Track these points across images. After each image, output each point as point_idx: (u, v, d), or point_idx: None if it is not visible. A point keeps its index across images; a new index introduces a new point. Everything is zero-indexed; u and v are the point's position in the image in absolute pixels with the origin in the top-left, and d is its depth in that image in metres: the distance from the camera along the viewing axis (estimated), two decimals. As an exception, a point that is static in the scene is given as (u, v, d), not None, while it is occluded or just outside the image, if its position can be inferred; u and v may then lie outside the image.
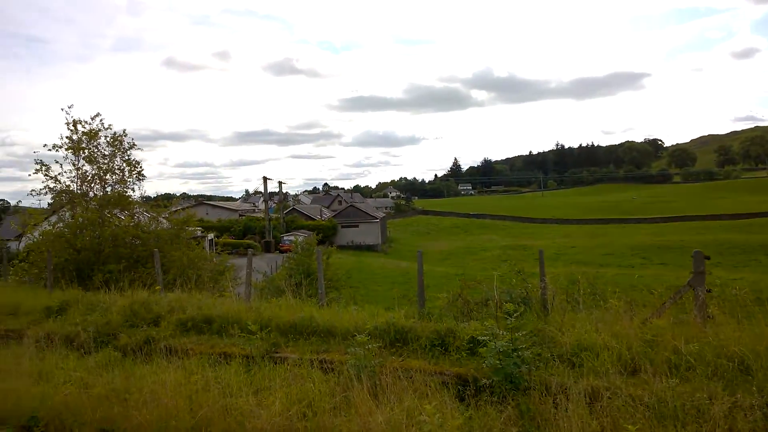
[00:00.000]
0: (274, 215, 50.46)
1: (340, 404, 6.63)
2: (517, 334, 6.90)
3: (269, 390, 7.12)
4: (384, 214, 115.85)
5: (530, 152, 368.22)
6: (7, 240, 31.15)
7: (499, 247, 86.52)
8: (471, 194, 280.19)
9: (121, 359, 9.48)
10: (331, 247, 44.20)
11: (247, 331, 8.76)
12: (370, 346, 7.40)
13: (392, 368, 7.15)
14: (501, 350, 6.61)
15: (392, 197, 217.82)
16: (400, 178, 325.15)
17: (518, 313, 7.24)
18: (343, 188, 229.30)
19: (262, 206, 73.54)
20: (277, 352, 8.51)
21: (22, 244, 25.05)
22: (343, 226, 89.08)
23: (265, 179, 49.07)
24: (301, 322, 9.29)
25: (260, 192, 79.16)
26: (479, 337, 7.35)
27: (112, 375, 8.41)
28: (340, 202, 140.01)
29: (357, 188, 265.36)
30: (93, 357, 9.71)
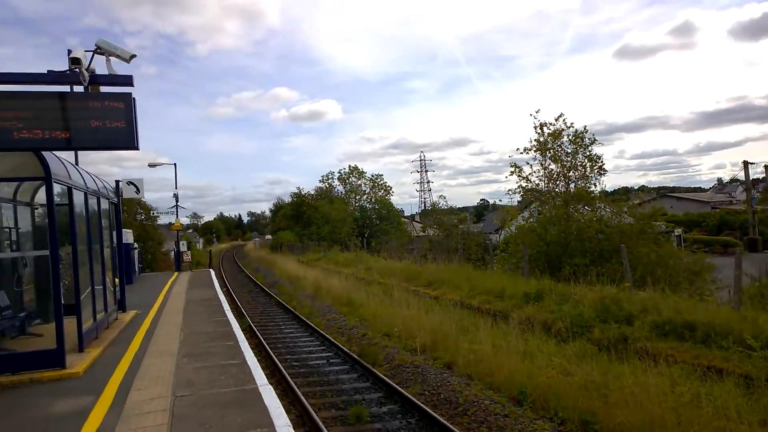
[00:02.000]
0: (758, 207, 41.87)
1: None
2: None
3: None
4: None
5: None
6: (489, 233, 36.73)
7: None
8: None
9: (596, 353, 9.48)
10: None
11: (744, 346, 7.26)
12: None
13: None
14: None
15: None
16: None
17: None
18: None
19: (740, 197, 62.45)
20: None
21: (501, 237, 29.23)
22: None
23: (745, 164, 41.21)
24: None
25: (738, 180, 67.18)
26: None
27: (590, 367, 8.46)
28: None
29: None
30: (570, 346, 10.09)
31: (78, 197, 9.17)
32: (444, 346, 11.19)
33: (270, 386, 6.26)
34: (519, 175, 22.33)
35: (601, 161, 21.40)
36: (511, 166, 22.47)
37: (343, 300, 18.76)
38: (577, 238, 19.61)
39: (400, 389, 8.89)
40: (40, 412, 5.79)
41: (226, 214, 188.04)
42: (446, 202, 41.08)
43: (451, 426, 7.20)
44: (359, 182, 62.34)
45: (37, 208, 11.80)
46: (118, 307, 11.85)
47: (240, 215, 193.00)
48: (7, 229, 10.23)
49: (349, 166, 63.18)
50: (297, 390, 8.89)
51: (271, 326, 15.89)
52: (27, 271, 10.61)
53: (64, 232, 9.19)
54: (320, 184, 64.41)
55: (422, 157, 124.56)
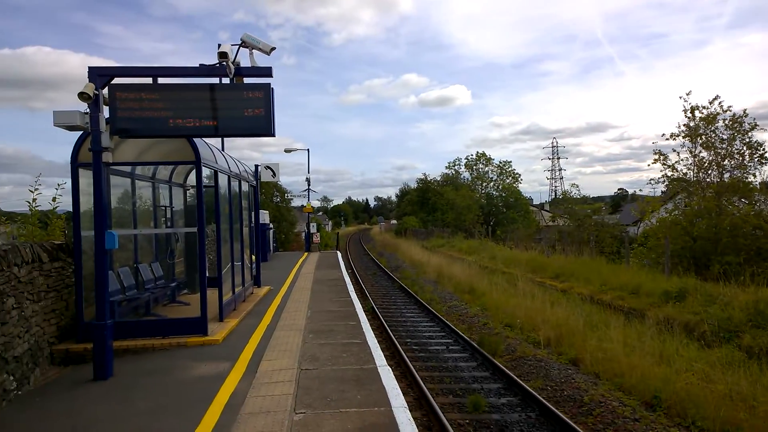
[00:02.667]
0: None
1: None
2: None
3: None
4: None
5: None
6: (626, 225, 34.04)
7: None
8: None
9: (744, 361, 8.46)
10: None
11: None
12: None
13: None
14: None
15: None
16: None
17: None
18: None
19: None
20: None
21: (640, 229, 26.93)
22: None
23: None
24: None
25: None
26: None
27: (737, 376, 7.59)
28: None
29: None
30: (714, 351, 9.09)
31: (222, 180, 10.04)
32: (569, 341, 10.64)
33: (389, 367, 6.39)
34: (664, 164, 20.45)
35: (763, 149, 18.86)
36: (655, 154, 20.63)
37: (465, 288, 18.62)
38: (731, 233, 17.52)
39: (520, 382, 8.62)
40: (185, 373, 6.47)
41: (354, 198, 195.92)
42: (579, 190, 38.75)
43: (573, 425, 6.82)
44: (486, 169, 61.10)
45: (188, 189, 13.16)
46: (253, 282, 12.87)
47: (367, 200, 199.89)
48: (163, 208, 11.54)
49: (477, 152, 62.23)
50: (415, 373, 9.00)
51: (393, 309, 16.25)
52: (178, 245, 11.92)
53: (210, 211, 10.16)
54: (446, 171, 64.32)
55: (554, 144, 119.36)
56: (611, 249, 26.28)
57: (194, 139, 8.06)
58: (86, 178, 8.55)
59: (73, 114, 6.47)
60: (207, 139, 9.40)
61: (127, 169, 9.87)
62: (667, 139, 20.34)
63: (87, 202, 9.12)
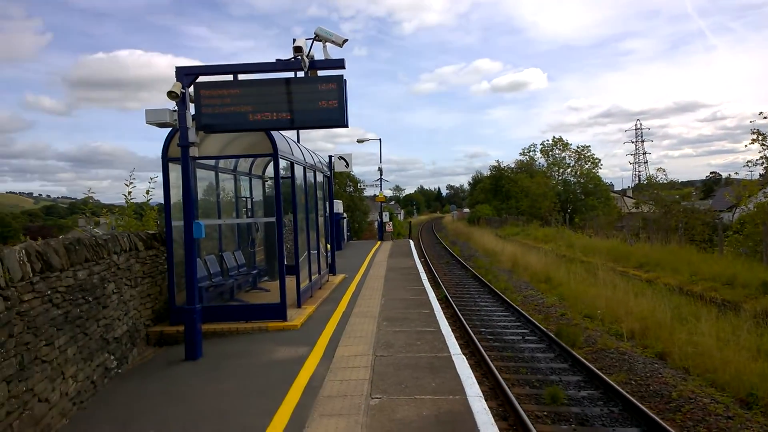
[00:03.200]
0: None
1: None
2: None
3: None
4: None
5: None
6: (720, 211, 31.70)
7: None
8: None
9: None
10: None
11: None
12: None
13: None
14: None
15: None
16: None
17: None
18: None
19: None
20: None
21: (735, 215, 24.93)
22: None
23: None
24: None
25: None
26: None
27: None
28: None
29: None
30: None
31: (298, 171, 10.35)
32: (655, 334, 10.11)
33: (463, 356, 6.37)
34: (763, 144, 18.87)
35: None
36: (753, 133, 19.09)
37: (541, 277, 18.14)
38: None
39: (601, 375, 8.31)
40: (267, 356, 6.78)
41: (425, 187, 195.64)
42: (666, 175, 36.34)
43: (661, 421, 6.49)
44: (563, 154, 58.69)
45: (267, 181, 13.69)
46: (329, 270, 13.22)
47: (439, 188, 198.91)
48: (244, 199, 12.08)
49: (553, 137, 59.93)
50: (490, 362, 8.91)
51: (466, 298, 16.13)
52: (259, 235, 12.44)
53: (288, 201, 10.52)
54: (521, 157, 62.58)
55: (638, 126, 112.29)
56: (702, 237, 24.52)
57: (271, 132, 8.36)
58: (176, 172, 9.08)
59: (163, 112, 6.90)
60: (283, 132, 9.73)
61: (211, 162, 10.40)
62: (766, 117, 18.69)
63: (177, 194, 9.69)
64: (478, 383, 5.61)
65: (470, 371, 5.82)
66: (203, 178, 10.67)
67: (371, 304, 9.91)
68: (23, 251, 4.82)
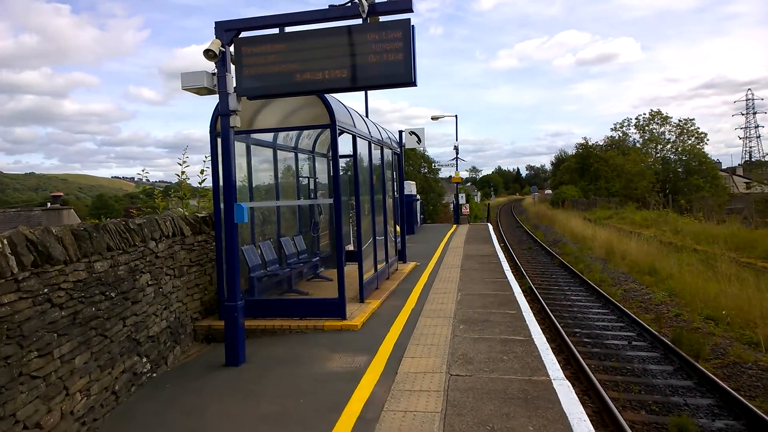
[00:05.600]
0: None
1: None
2: None
3: None
4: None
5: None
6: None
7: None
8: None
9: None
10: None
11: None
12: None
13: None
14: None
15: None
16: None
17: None
18: None
19: None
20: None
21: None
22: None
23: None
24: None
25: None
26: None
27: None
28: None
29: None
30: None
31: (362, 146, 9.07)
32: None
33: (567, 382, 4.82)
34: None
35: None
36: None
37: (643, 268, 15.85)
38: None
39: (741, 399, 6.46)
40: (318, 366, 5.60)
41: (504, 168, 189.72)
42: (785, 150, 31.85)
43: None
44: (662, 129, 53.37)
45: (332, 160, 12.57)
46: (398, 257, 11.90)
47: (518, 169, 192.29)
48: (306, 179, 11.00)
49: (650, 110, 54.36)
50: (598, 386, 7.24)
51: (555, 290, 14.30)
52: (322, 218, 11.35)
53: (351, 181, 9.30)
54: (612, 133, 57.87)
55: (749, 96, 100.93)
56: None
57: (329, 100, 7.11)
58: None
59: (200, 75, 5.80)
60: (348, 104, 8.49)
61: (269, 138, 9.37)
62: None
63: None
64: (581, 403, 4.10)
65: (580, 407, 4.28)
66: (261, 156, 9.68)
67: (445, 300, 8.51)
68: (4, 241, 3.86)
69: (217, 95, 5.81)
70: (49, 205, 22.20)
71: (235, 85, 5.75)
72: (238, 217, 5.83)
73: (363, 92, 14.22)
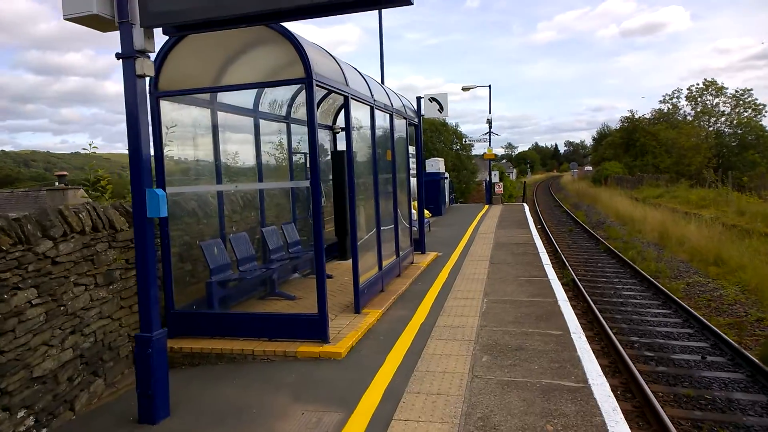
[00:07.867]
0: None
1: None
2: None
3: None
4: None
5: None
6: None
7: None
8: None
9: None
10: None
11: None
12: None
13: None
14: None
15: None
16: None
17: None
18: None
19: None
20: None
21: None
22: None
23: None
24: None
25: None
26: None
27: None
28: None
29: None
30: None
31: (361, 113, 7.16)
32: None
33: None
34: None
35: None
36: None
37: (707, 256, 13.48)
38: None
39: None
40: (274, 427, 3.79)
41: (541, 144, 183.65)
42: None
43: None
44: (716, 101, 49.02)
45: (338, 132, 10.66)
46: (414, 248, 9.95)
47: (556, 145, 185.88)
48: (301, 155, 9.17)
49: (705, 80, 49.71)
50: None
51: (602, 283, 12.15)
52: (325, 202, 9.53)
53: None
54: (660, 106, 53.73)
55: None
56: None
57: (296, 38, 5.16)
58: (177, 112, 6.39)
59: None
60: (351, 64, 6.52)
61: (248, 105, 7.53)
62: None
63: (192, 144, 7.03)
64: None
65: None
66: (238, 125, 7.89)
67: (466, 310, 6.57)
68: None
69: (118, 29, 3.94)
70: (56, 184, 21.11)
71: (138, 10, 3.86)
72: (152, 209, 4.00)
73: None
